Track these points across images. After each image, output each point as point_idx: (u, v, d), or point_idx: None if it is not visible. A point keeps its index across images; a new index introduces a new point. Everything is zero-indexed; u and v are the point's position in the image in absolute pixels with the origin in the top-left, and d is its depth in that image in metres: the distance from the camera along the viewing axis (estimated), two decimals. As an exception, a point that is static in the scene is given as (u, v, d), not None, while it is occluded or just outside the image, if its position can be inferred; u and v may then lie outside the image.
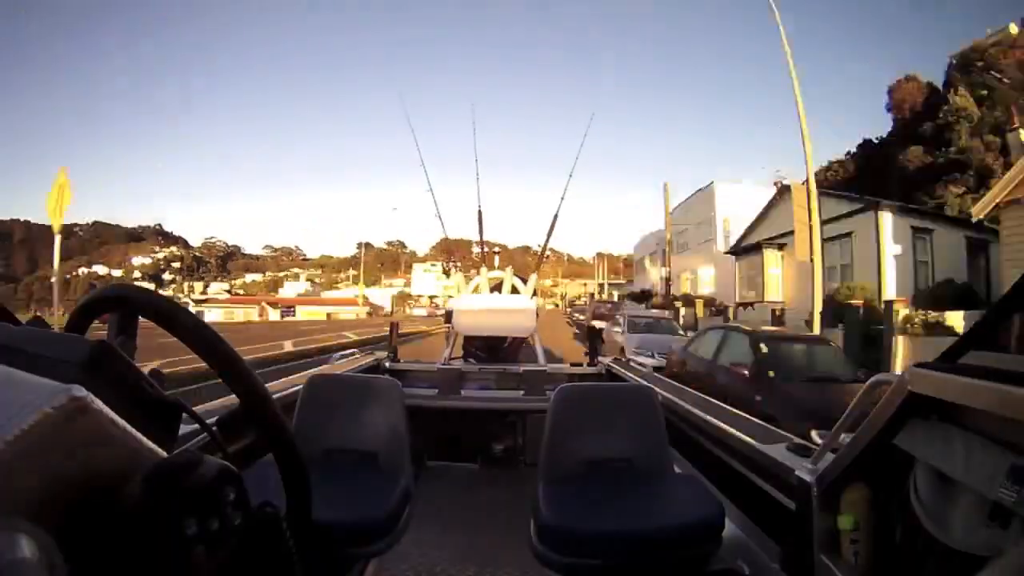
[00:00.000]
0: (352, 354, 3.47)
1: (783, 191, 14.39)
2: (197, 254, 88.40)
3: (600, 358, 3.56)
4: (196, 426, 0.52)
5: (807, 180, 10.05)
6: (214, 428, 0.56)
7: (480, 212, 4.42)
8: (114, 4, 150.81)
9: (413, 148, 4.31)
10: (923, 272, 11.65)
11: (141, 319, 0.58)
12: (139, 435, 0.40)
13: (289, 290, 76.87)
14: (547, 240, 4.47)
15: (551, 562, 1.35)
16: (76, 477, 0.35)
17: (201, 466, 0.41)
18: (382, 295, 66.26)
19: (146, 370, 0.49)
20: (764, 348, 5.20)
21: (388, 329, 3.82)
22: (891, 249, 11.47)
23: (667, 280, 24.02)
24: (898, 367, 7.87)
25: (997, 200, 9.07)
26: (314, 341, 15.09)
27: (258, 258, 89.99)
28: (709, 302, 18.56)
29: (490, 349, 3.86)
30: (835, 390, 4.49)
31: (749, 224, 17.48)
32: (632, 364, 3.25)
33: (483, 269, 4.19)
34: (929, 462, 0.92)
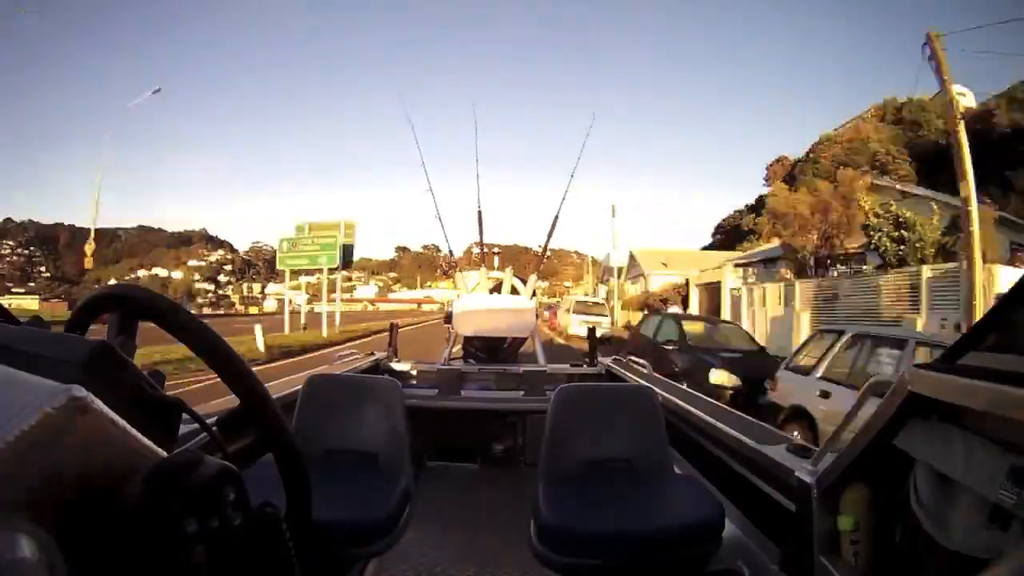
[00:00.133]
0: (352, 354, 3.47)
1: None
2: (245, 257, 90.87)
3: (600, 358, 3.55)
4: (196, 426, 0.52)
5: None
6: (214, 428, 0.56)
7: (480, 213, 4.42)
8: (132, 6, 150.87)
9: (414, 148, 4.32)
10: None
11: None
12: (139, 435, 0.40)
13: (362, 292, 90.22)
14: (547, 240, 4.48)
15: (551, 562, 1.35)
16: (76, 477, 0.35)
17: (201, 466, 0.40)
18: (441, 295, 76.22)
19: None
20: (685, 327, 7.50)
21: (388, 329, 3.82)
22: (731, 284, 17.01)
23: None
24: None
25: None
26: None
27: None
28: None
29: (490, 349, 3.86)
30: (737, 357, 6.48)
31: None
32: (631, 364, 3.25)
33: (483, 270, 4.19)
34: (929, 463, 0.92)
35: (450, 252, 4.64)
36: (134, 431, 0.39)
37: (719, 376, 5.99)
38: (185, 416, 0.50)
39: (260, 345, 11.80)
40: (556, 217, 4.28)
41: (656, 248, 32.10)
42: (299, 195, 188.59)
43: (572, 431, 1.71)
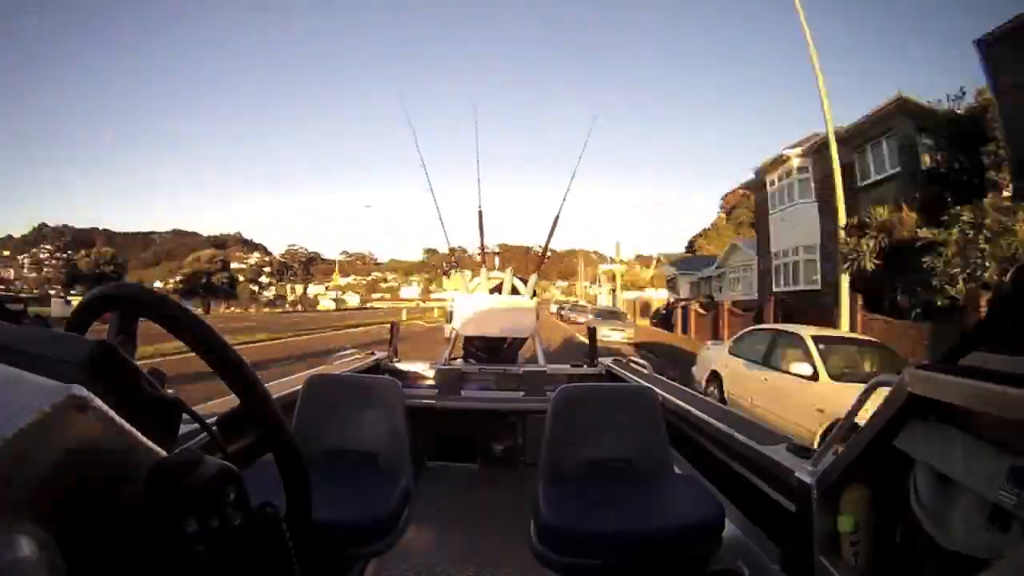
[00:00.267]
0: (352, 354, 3.47)
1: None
2: (282, 259, 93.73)
3: (600, 359, 3.55)
4: (196, 426, 0.52)
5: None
6: (214, 428, 0.56)
7: (480, 213, 4.42)
8: (162, 11, 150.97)
9: (421, 147, 4.32)
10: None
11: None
12: (139, 434, 0.40)
13: (405, 292, 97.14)
14: (548, 240, 4.47)
15: (551, 562, 1.35)
16: (76, 477, 0.35)
17: (201, 465, 0.41)
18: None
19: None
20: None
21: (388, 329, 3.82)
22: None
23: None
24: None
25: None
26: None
27: (335, 263, 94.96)
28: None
29: (490, 350, 3.86)
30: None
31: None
32: (631, 364, 3.25)
33: (483, 270, 4.18)
34: (929, 463, 0.92)
35: (450, 252, 4.62)
36: (134, 431, 0.39)
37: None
38: (185, 416, 0.50)
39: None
40: (557, 217, 4.28)
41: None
42: (299, 196, 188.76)
43: (572, 431, 1.71)
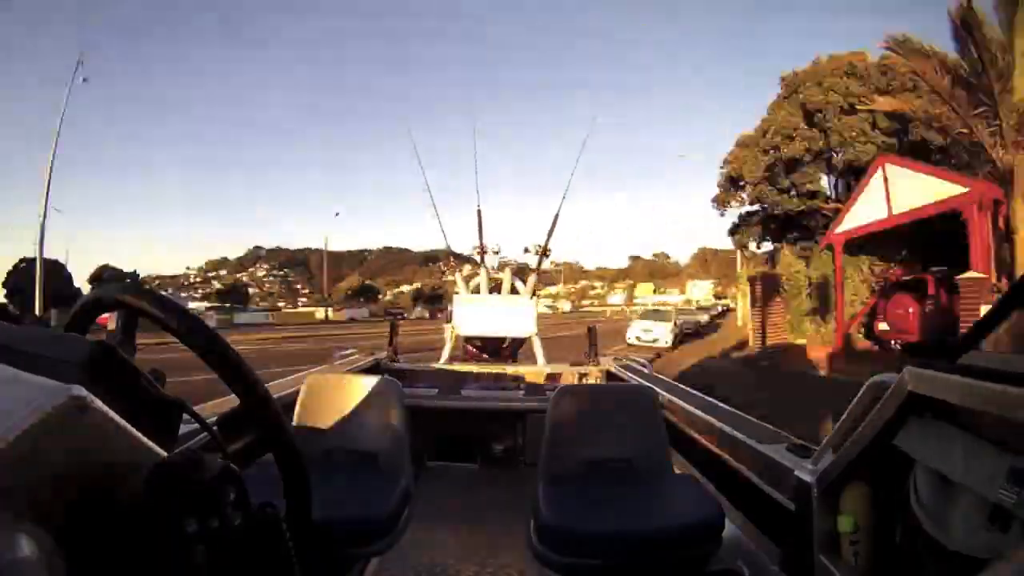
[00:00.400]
0: (352, 354, 3.47)
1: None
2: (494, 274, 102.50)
3: (600, 359, 3.55)
4: (196, 425, 0.52)
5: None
6: (214, 428, 0.56)
7: (479, 211, 4.41)
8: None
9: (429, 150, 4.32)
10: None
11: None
12: (139, 435, 0.40)
13: (611, 299, 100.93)
14: (547, 240, 4.46)
15: (551, 562, 1.35)
16: (76, 477, 0.35)
17: (201, 466, 0.40)
18: (675, 299, 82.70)
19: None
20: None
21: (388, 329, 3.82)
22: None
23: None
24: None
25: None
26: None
27: (550, 272, 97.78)
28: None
29: (490, 349, 3.86)
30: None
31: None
32: (631, 364, 3.25)
33: (483, 270, 4.18)
34: (929, 463, 0.92)
35: (450, 252, 4.61)
36: (134, 431, 0.39)
37: None
38: (185, 416, 0.50)
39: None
40: (556, 216, 4.27)
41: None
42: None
43: (572, 431, 1.71)
